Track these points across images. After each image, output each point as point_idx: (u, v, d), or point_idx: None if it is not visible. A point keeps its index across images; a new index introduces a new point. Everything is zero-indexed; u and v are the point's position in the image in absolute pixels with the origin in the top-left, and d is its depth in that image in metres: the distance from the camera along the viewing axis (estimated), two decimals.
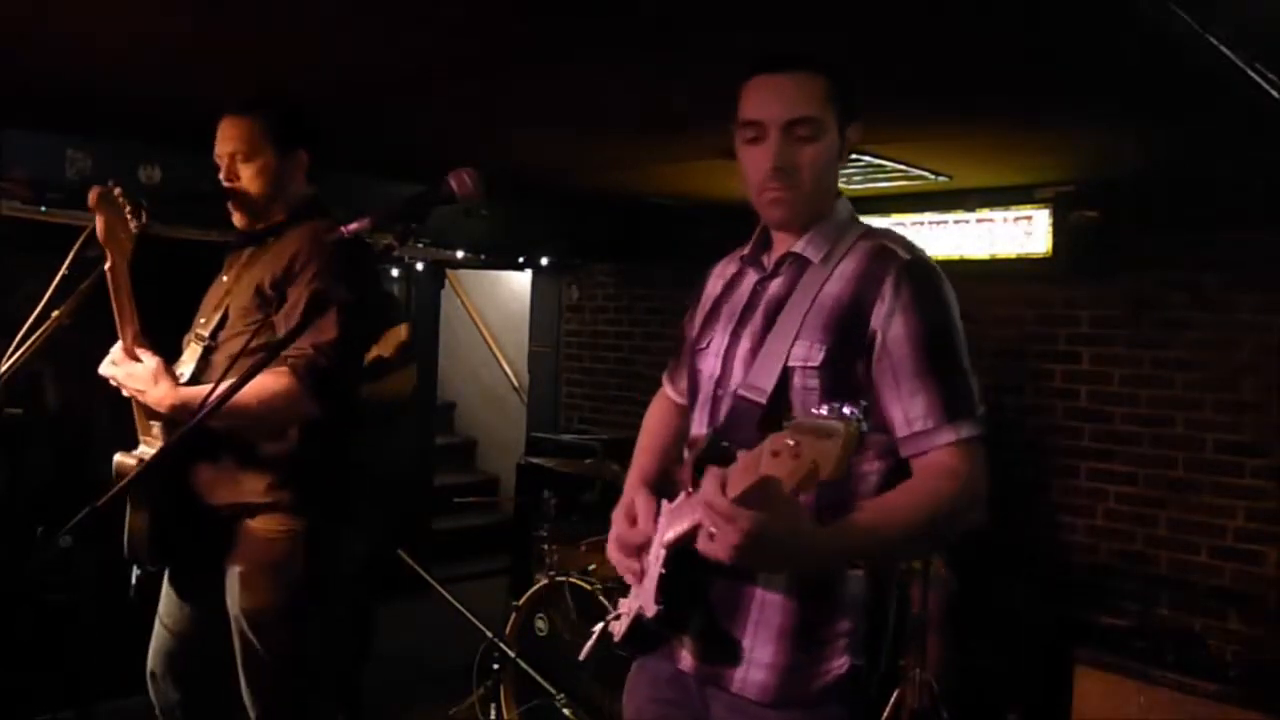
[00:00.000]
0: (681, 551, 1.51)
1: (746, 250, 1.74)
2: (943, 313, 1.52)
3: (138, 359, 2.20)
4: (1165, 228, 3.85)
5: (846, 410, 1.14)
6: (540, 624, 3.61)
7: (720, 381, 1.63)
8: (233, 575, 2.28)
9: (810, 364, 1.50)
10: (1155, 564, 3.86)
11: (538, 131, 3.43)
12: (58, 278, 2.16)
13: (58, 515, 1.50)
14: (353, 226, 1.77)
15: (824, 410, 1.16)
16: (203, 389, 2.16)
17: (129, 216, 2.16)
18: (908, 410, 1.48)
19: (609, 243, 5.59)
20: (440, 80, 2.76)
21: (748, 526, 1.26)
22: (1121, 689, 3.40)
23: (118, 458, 2.26)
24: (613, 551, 1.70)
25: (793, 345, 1.52)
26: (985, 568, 3.90)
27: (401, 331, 3.55)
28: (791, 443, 1.16)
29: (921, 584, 3.39)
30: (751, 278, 1.70)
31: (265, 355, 1.84)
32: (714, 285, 1.81)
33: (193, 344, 2.35)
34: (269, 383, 2.15)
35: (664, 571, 1.54)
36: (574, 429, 5.96)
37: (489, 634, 3.60)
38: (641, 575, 1.64)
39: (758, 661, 1.53)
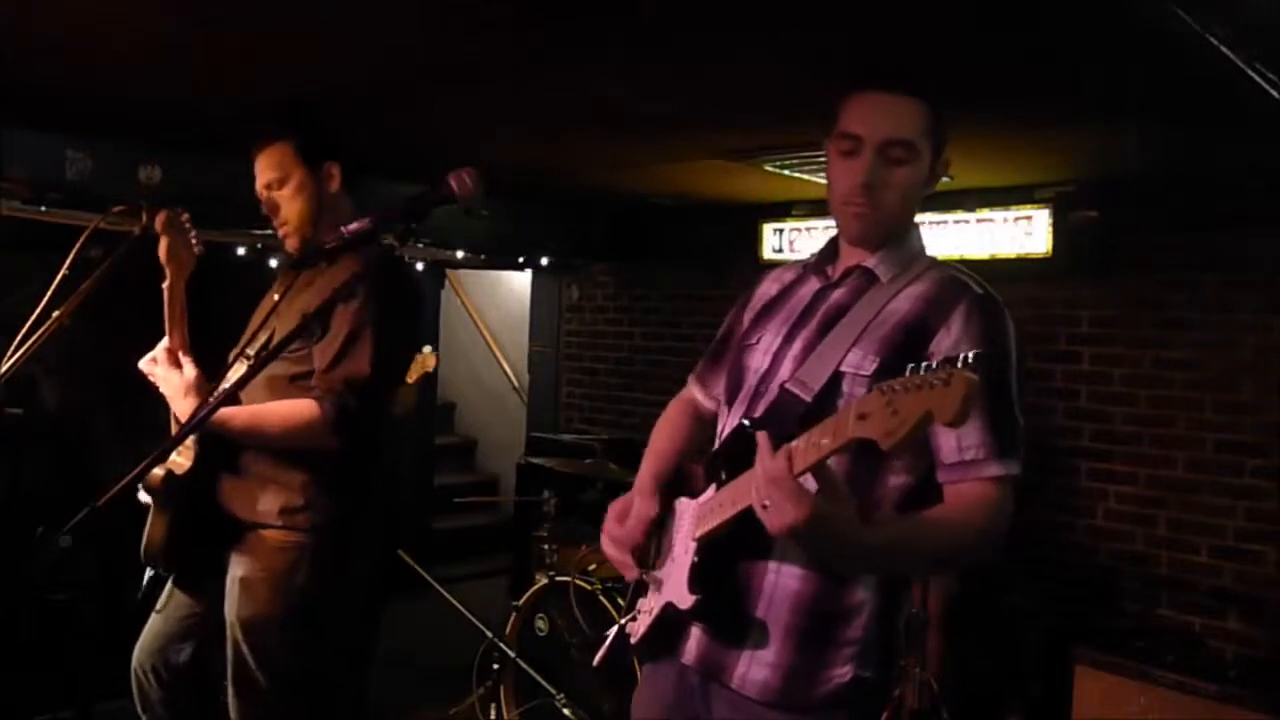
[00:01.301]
0: (714, 543, 1.52)
1: (810, 259, 1.75)
2: (1008, 351, 1.54)
3: (179, 365, 2.24)
4: (1165, 228, 3.85)
5: (948, 362, 1.12)
6: (540, 624, 3.61)
7: (765, 377, 1.64)
8: (234, 581, 2.28)
9: (862, 372, 1.51)
10: (1155, 564, 3.86)
11: (537, 132, 3.43)
12: (58, 278, 2.17)
13: (58, 515, 1.49)
14: (353, 227, 1.77)
15: (908, 373, 1.15)
16: (228, 410, 2.20)
17: (194, 239, 2.23)
18: (962, 438, 1.48)
19: (609, 243, 5.59)
20: (440, 81, 2.76)
21: (808, 512, 1.27)
22: (1121, 689, 3.39)
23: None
24: (604, 546, 1.74)
25: (848, 352, 1.53)
26: (985, 568, 3.90)
27: (429, 361, 3.55)
28: (884, 403, 1.15)
29: (921, 584, 3.39)
30: (813, 284, 1.70)
31: (251, 368, 1.83)
32: (768, 287, 1.82)
33: (240, 362, 2.37)
34: (295, 410, 2.18)
35: (696, 561, 1.54)
36: (574, 429, 5.96)
37: (489, 634, 3.60)
38: (634, 570, 1.67)
39: (761, 659, 1.53)
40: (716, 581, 1.54)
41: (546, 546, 3.76)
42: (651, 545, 1.71)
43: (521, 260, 5.58)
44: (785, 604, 1.53)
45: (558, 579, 3.54)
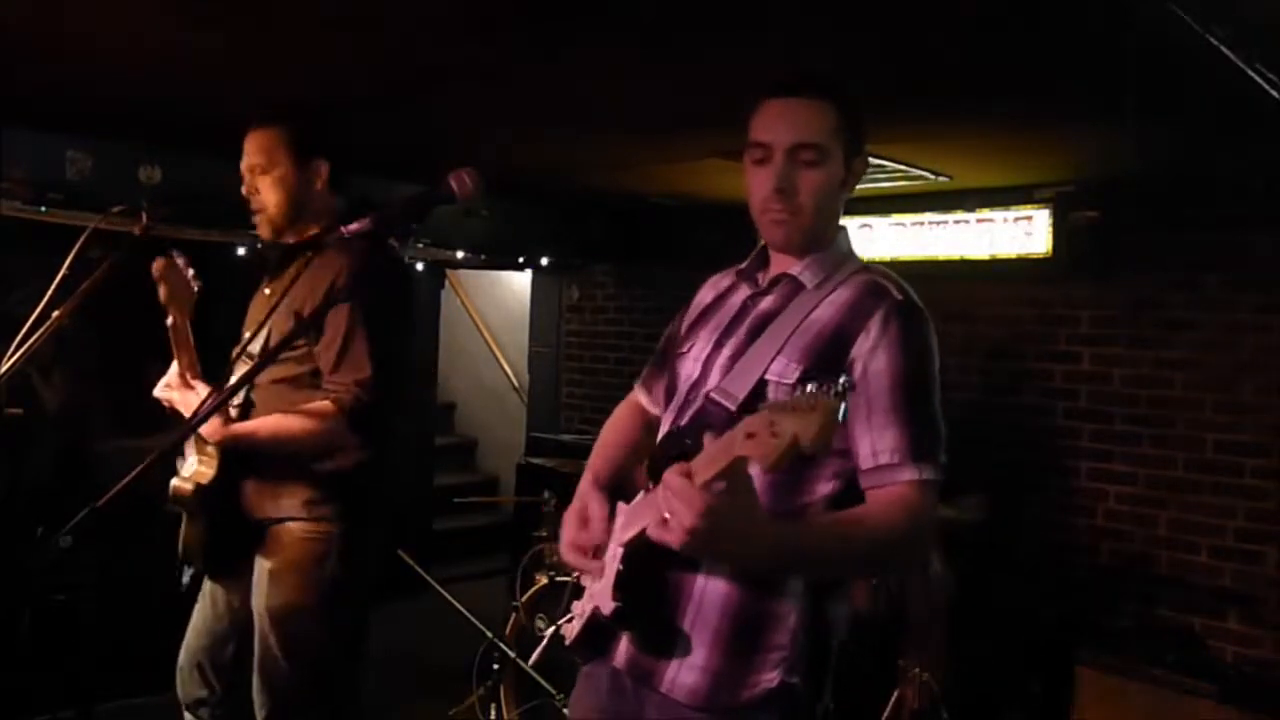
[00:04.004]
0: (639, 550, 1.51)
1: (744, 265, 1.76)
2: (925, 356, 1.54)
3: (192, 387, 2.29)
4: (1165, 228, 3.85)
5: (825, 386, 1.14)
6: (540, 624, 3.61)
7: (695, 385, 1.65)
8: (262, 572, 2.32)
9: (785, 380, 1.52)
10: (1155, 564, 3.86)
11: (538, 131, 3.43)
12: (58, 278, 2.17)
13: (58, 515, 1.49)
14: (353, 227, 1.76)
15: (798, 393, 1.17)
16: (251, 424, 2.27)
17: (192, 280, 2.27)
18: (876, 443, 1.49)
19: (609, 243, 5.59)
20: (441, 81, 2.76)
21: (703, 507, 1.26)
22: (1121, 689, 3.40)
23: (174, 483, 2.30)
24: (568, 555, 1.70)
25: (773, 360, 1.54)
26: (985, 567, 3.90)
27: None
28: (769, 421, 1.16)
29: (921, 584, 3.40)
30: (744, 292, 1.72)
31: (249, 370, 1.89)
32: (705, 294, 1.84)
33: (240, 363, 2.39)
34: (314, 414, 2.22)
35: (621, 569, 1.54)
36: (574, 429, 5.96)
37: (489, 634, 3.60)
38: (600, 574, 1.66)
39: (689, 663, 1.54)
40: (640, 588, 1.54)
41: (546, 546, 3.76)
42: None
43: (521, 260, 5.58)
44: (714, 609, 1.53)
45: (558, 579, 3.54)
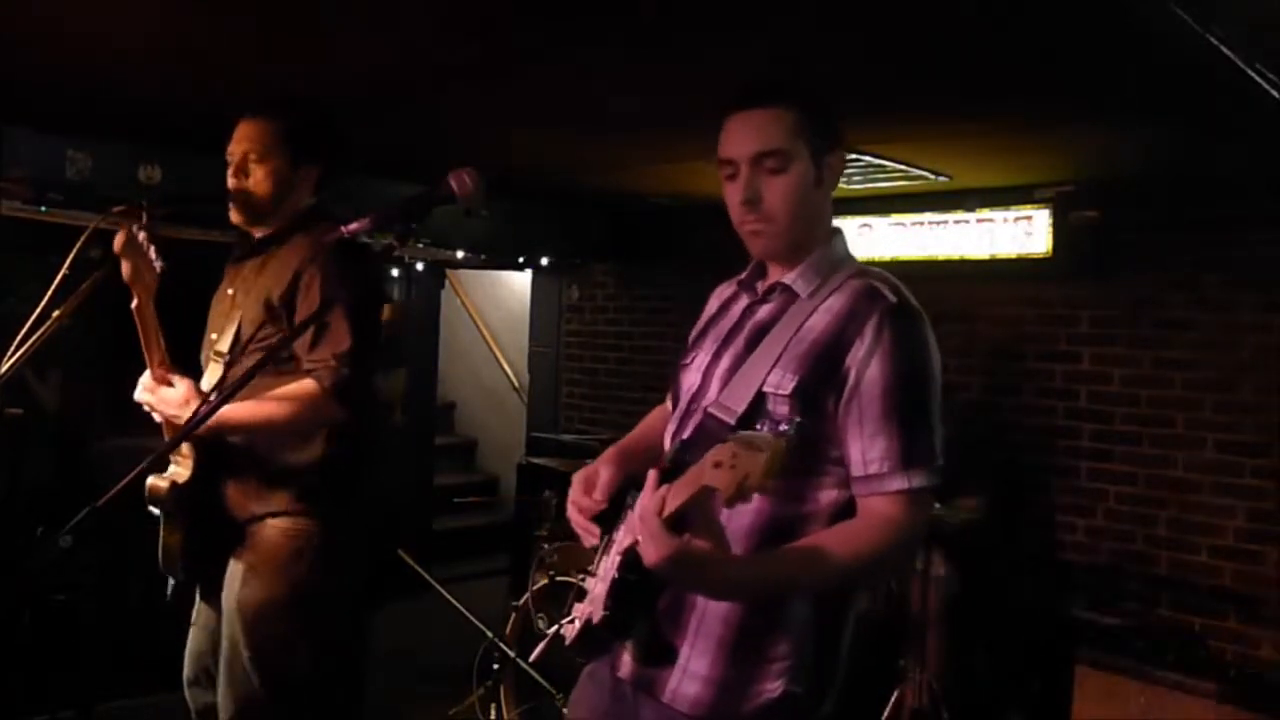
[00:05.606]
0: (635, 560, 1.51)
1: (744, 275, 1.77)
2: (920, 361, 1.52)
3: (169, 383, 2.22)
4: (1165, 228, 3.85)
5: (782, 426, 1.15)
6: (540, 624, 3.60)
7: (696, 396, 1.66)
8: (237, 568, 2.28)
9: (781, 391, 1.51)
10: (1155, 564, 3.86)
11: (538, 131, 3.43)
12: (58, 278, 2.16)
13: (58, 515, 1.49)
14: (353, 226, 1.77)
15: (764, 427, 1.19)
16: (231, 408, 2.17)
17: (155, 257, 2.20)
18: (865, 451, 1.49)
19: (609, 243, 5.60)
20: (442, 80, 2.76)
21: (666, 552, 1.30)
22: (1121, 689, 3.39)
23: (150, 480, 2.27)
24: (570, 513, 1.74)
25: (770, 372, 1.53)
26: (985, 567, 3.90)
27: (384, 311, 3.58)
28: (730, 454, 1.18)
29: (921, 584, 3.40)
30: (743, 301, 1.73)
31: (261, 359, 1.85)
32: (712, 305, 1.85)
33: (213, 362, 2.36)
34: (295, 391, 2.18)
35: (617, 576, 1.54)
36: (574, 429, 5.96)
37: (489, 634, 3.60)
38: (597, 539, 1.68)
39: (692, 673, 1.54)
40: (634, 598, 1.53)
41: (546, 546, 3.76)
42: (601, 548, 1.72)
43: (521, 260, 5.58)
44: (717, 619, 1.53)
45: (558, 579, 3.54)
